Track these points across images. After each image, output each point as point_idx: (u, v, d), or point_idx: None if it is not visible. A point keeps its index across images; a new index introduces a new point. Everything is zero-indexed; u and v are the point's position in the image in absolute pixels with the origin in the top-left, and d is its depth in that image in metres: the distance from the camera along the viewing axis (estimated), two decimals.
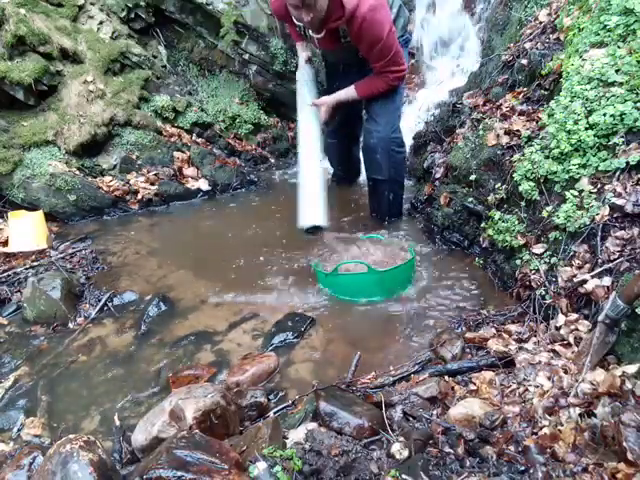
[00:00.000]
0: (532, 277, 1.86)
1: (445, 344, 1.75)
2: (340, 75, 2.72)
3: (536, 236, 1.93)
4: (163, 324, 2.11)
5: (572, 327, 1.58)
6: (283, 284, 2.34)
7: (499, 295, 2.09)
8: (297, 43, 2.89)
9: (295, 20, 2.38)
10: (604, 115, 1.73)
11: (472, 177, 2.32)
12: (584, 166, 1.78)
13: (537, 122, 2.17)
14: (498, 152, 2.25)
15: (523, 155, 2.04)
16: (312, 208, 2.35)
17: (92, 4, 3.55)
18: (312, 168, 2.50)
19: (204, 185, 3.54)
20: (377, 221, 2.85)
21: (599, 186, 1.72)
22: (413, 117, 3.58)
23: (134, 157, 3.43)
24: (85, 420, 1.64)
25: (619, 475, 1.08)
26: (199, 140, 3.79)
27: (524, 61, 2.50)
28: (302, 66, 2.83)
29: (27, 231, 2.70)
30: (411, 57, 3.91)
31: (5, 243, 2.74)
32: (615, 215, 1.64)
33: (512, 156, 2.15)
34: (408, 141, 3.42)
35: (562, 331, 1.59)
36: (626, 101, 1.71)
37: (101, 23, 3.57)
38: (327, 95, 2.72)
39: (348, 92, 2.61)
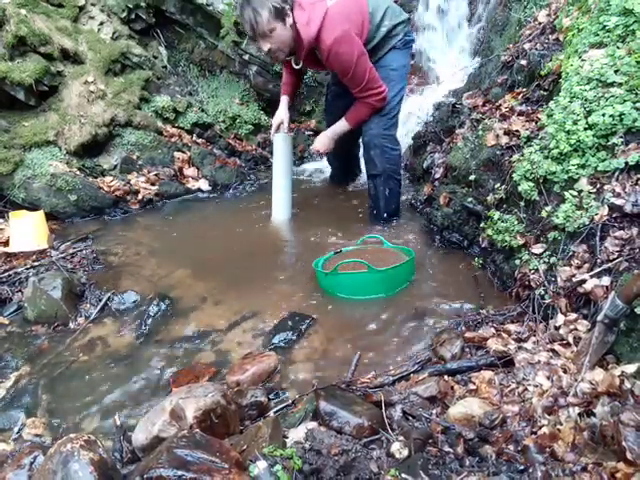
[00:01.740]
0: (531, 277, 1.86)
1: (444, 344, 1.75)
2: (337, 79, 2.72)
3: (535, 236, 1.93)
4: (163, 324, 2.12)
5: (571, 327, 1.58)
6: (283, 283, 2.35)
7: (498, 295, 2.09)
8: (282, 96, 2.93)
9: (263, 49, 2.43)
10: (603, 115, 1.73)
11: (471, 177, 2.33)
12: (583, 166, 1.78)
13: (536, 122, 2.17)
14: (497, 152, 2.25)
15: (522, 155, 2.05)
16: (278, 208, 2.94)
17: (93, 5, 3.56)
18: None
19: (204, 185, 3.54)
20: (376, 220, 2.85)
21: (598, 186, 1.72)
22: (412, 117, 3.58)
23: (135, 157, 3.43)
24: (86, 419, 1.65)
25: (618, 474, 1.08)
26: (199, 140, 3.80)
27: (523, 62, 2.50)
28: (275, 135, 2.89)
29: (28, 231, 2.70)
30: (411, 57, 3.91)
31: (6, 243, 2.74)
32: (614, 215, 1.65)
33: (511, 156, 2.16)
34: (408, 141, 3.44)
35: (561, 331, 1.60)
36: (625, 101, 1.71)
37: (102, 24, 3.58)
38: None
39: (341, 125, 2.73)
